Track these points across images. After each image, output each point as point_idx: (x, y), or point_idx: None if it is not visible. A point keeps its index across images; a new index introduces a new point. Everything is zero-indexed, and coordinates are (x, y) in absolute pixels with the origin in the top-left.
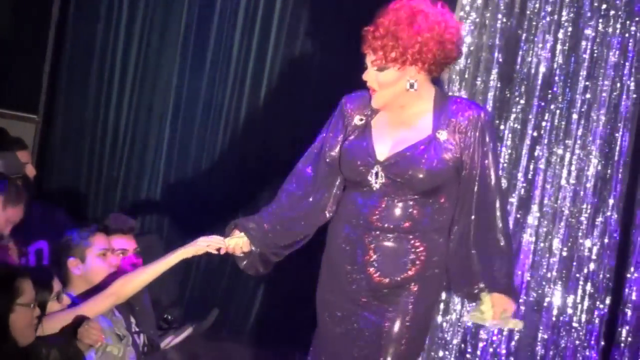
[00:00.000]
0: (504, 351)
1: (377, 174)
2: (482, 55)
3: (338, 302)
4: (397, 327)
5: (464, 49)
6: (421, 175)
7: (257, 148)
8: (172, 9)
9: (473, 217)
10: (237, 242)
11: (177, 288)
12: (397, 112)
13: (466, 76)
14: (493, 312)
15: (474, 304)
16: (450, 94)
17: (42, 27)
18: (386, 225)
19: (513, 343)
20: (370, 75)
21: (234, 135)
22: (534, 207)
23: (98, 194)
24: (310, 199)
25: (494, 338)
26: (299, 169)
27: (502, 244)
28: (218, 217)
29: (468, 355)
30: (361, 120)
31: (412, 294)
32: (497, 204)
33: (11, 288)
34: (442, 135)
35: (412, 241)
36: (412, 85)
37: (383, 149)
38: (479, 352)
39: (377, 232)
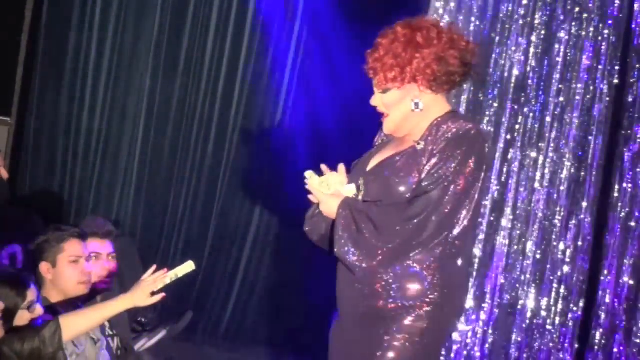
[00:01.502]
0: (477, 354)
1: (360, 186)
2: None
3: None
4: None
5: None
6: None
7: (229, 150)
8: (145, 12)
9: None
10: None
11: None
12: (404, 132)
13: None
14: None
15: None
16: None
17: (15, 30)
18: None
19: (487, 346)
20: (376, 99)
21: (206, 137)
22: (508, 210)
23: (71, 196)
24: None
25: (468, 341)
26: None
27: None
28: (190, 222)
29: (442, 359)
30: (382, 141)
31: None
32: (417, 215)
33: None
34: (420, 145)
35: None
36: (417, 105)
37: (374, 163)
38: (452, 355)
39: None
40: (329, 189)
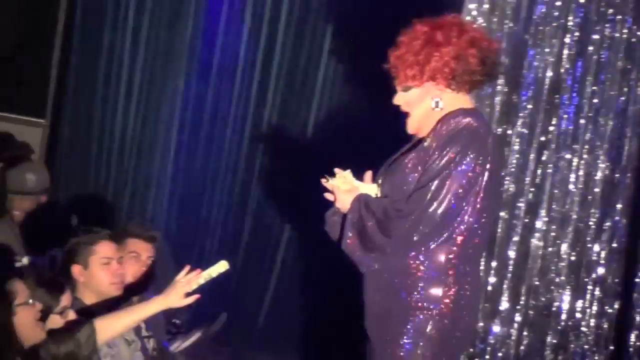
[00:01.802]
0: (512, 356)
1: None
2: None
3: None
4: None
5: None
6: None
7: (263, 155)
8: (179, 15)
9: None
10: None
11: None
12: (426, 131)
13: None
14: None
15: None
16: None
17: (49, 32)
18: None
19: (522, 347)
20: (398, 98)
21: (240, 142)
22: (542, 212)
23: (105, 198)
24: None
25: (503, 343)
26: None
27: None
28: (224, 224)
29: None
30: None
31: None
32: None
33: (3, 293)
34: (427, 142)
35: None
36: (437, 104)
37: None
38: (487, 357)
39: None
40: (346, 185)
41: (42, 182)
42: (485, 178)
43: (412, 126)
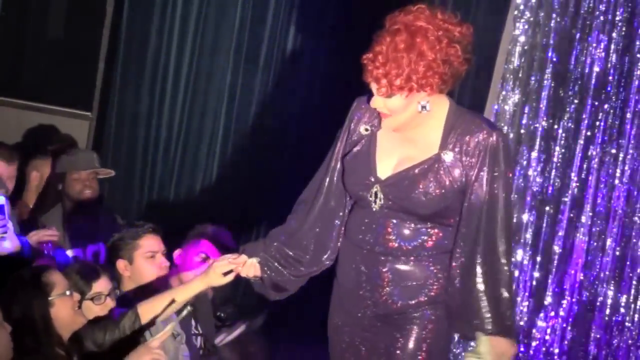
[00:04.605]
0: (556, 350)
1: (376, 193)
2: (536, 54)
3: (346, 327)
4: (411, 353)
5: (518, 48)
6: (421, 199)
7: (314, 148)
8: (225, 7)
9: (478, 248)
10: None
11: (230, 285)
12: (406, 129)
13: (520, 75)
14: (492, 356)
15: (472, 343)
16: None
17: (96, 25)
18: (397, 246)
19: (566, 342)
20: (378, 103)
21: (290, 135)
22: (587, 207)
23: (151, 192)
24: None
25: (547, 337)
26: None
27: (504, 283)
28: (272, 217)
29: (520, 355)
30: (367, 130)
31: (429, 318)
32: (502, 239)
33: (41, 286)
34: (448, 156)
35: (427, 263)
36: (424, 107)
37: (385, 167)
38: (531, 352)
39: (389, 256)
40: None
41: (89, 158)
42: None
43: (391, 126)
